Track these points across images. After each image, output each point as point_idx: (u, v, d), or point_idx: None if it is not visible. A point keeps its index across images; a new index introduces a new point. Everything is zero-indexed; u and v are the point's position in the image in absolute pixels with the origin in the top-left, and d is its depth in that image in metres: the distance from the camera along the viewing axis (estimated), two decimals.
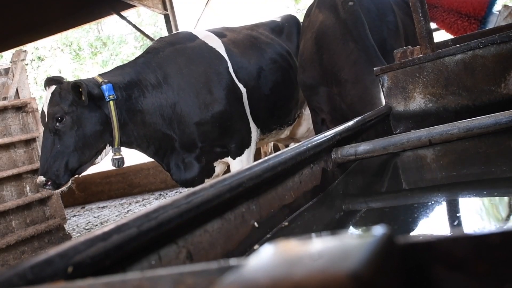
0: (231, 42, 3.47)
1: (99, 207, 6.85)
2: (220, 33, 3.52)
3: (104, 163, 3.42)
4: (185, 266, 0.42)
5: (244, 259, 0.33)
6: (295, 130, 4.16)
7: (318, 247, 0.29)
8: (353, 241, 0.29)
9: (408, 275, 0.32)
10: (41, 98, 17.59)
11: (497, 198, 0.96)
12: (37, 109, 4.97)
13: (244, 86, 3.32)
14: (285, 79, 3.60)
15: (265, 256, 0.30)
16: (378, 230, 0.30)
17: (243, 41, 3.57)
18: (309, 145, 1.18)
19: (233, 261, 0.35)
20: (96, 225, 5.46)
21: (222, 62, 3.25)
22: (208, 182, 0.84)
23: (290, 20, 4.15)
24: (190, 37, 3.34)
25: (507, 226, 0.79)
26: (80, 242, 0.59)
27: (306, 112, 4.02)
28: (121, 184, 7.47)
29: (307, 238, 0.31)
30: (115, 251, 0.62)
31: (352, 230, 0.96)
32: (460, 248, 0.32)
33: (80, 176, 3.05)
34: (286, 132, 3.99)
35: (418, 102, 1.83)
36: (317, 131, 3.13)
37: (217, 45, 3.34)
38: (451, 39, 2.64)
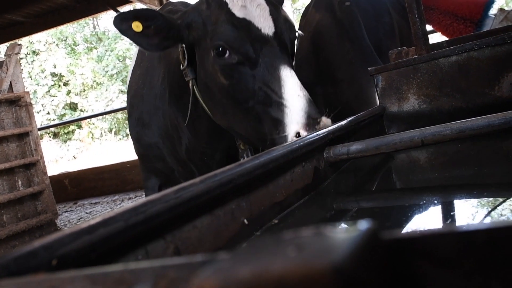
0: None
1: (91, 203, 6.81)
2: None
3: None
4: (168, 259, 0.41)
5: (227, 252, 0.33)
6: None
7: (301, 241, 0.28)
8: (336, 235, 0.28)
9: (392, 270, 0.31)
10: (35, 92, 17.44)
11: (487, 200, 0.96)
12: (30, 103, 4.93)
13: None
14: None
15: (248, 249, 0.29)
16: (363, 224, 0.30)
17: None
18: (302, 143, 1.18)
19: (217, 255, 0.35)
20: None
21: None
22: (198, 177, 0.83)
23: None
24: None
25: (493, 223, 0.79)
26: (66, 235, 0.59)
27: None
28: (114, 181, 7.43)
29: (291, 232, 0.31)
30: (101, 245, 0.61)
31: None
32: (446, 244, 0.31)
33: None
34: None
35: (412, 103, 1.83)
36: None
37: None
38: (446, 41, 2.65)
